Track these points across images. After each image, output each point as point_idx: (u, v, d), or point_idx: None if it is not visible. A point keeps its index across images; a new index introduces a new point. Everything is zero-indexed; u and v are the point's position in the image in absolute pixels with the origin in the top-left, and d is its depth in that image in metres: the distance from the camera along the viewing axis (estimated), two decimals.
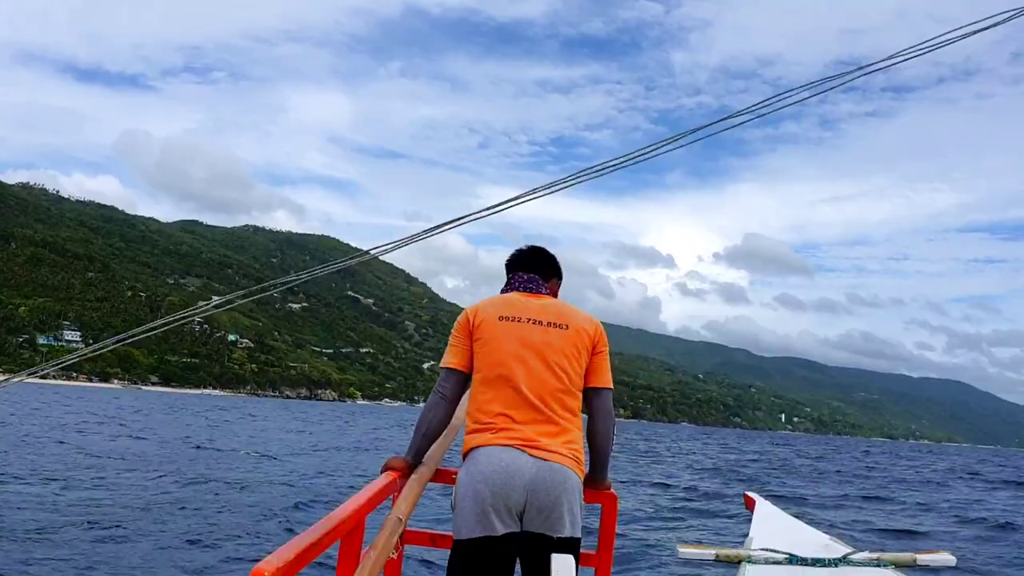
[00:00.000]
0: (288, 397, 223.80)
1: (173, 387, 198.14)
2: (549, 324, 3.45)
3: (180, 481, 17.63)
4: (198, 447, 28.37)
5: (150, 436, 32.28)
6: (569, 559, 2.77)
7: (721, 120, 3.75)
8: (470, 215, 4.01)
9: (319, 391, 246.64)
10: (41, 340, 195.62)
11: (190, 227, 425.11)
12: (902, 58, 3.61)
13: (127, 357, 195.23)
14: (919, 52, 3.53)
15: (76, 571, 8.66)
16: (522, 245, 3.84)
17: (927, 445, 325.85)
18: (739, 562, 3.70)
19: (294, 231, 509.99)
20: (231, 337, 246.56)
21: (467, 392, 3.56)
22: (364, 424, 69.68)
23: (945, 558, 3.68)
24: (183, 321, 3.76)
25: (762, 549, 3.78)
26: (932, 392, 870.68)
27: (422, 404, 3.70)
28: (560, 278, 3.82)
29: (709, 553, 3.82)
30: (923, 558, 3.68)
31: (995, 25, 3.33)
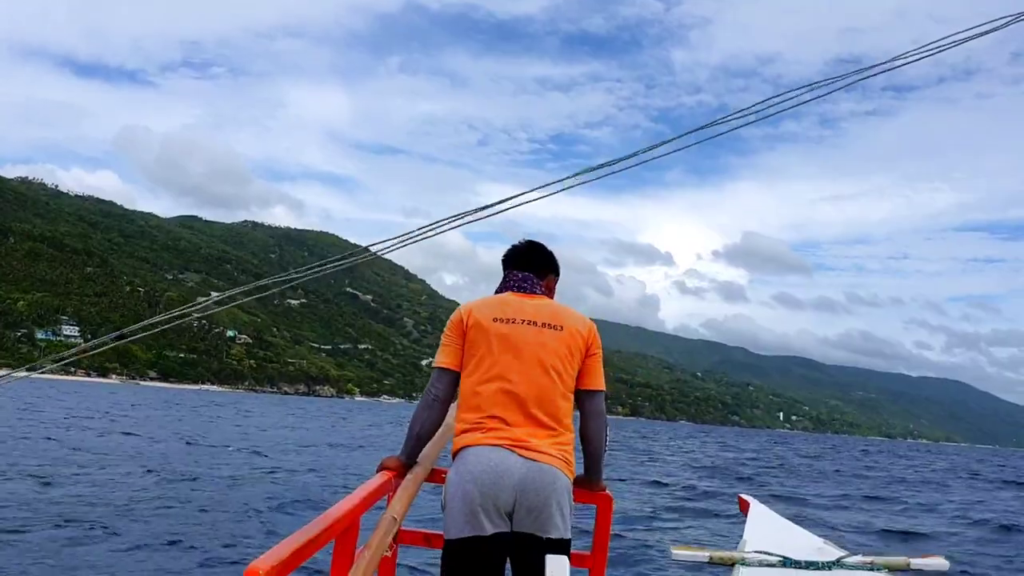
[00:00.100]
0: (286, 393, 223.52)
1: (171, 382, 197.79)
2: (543, 325, 3.44)
3: (165, 478, 17.32)
4: (188, 443, 28.08)
5: (141, 432, 31.95)
6: (563, 560, 2.76)
7: (723, 120, 3.79)
8: (472, 213, 4.03)
9: (317, 387, 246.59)
10: (39, 335, 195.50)
11: (189, 222, 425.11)
12: (901, 62, 3.63)
13: (125, 352, 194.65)
14: (918, 56, 3.55)
15: (43, 574, 8.37)
16: (519, 241, 3.82)
17: (925, 444, 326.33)
18: (732, 564, 3.69)
19: (293, 227, 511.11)
20: (229, 333, 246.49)
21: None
22: (360, 421, 69.40)
23: (938, 562, 3.65)
24: (183, 319, 3.79)
25: (756, 552, 3.76)
26: (931, 391, 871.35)
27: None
28: (557, 274, 3.81)
29: (703, 555, 3.78)
30: (916, 562, 3.65)
31: (992, 31, 3.35)
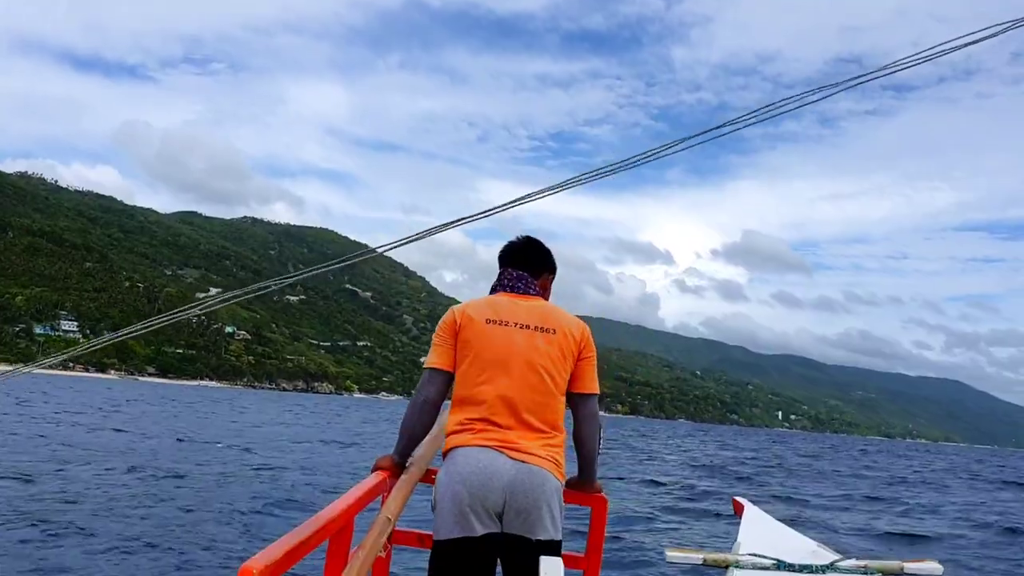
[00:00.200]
0: (285, 390, 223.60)
1: (170, 378, 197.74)
2: (536, 328, 3.43)
3: (149, 476, 16.96)
4: (179, 439, 27.74)
5: (132, 428, 31.57)
6: (557, 562, 2.77)
7: (724, 125, 3.77)
8: (478, 216, 4.03)
9: (316, 384, 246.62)
10: (38, 330, 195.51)
11: (188, 218, 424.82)
12: (897, 68, 3.62)
13: (124, 348, 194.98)
14: (920, 60, 3.55)
15: None
16: (515, 237, 3.79)
17: (924, 444, 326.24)
18: (726, 567, 3.70)
19: (292, 223, 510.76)
20: (228, 329, 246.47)
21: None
22: (356, 417, 69.11)
23: (932, 566, 3.66)
24: (183, 316, 3.83)
25: (749, 554, 3.77)
26: (929, 391, 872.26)
27: None
28: (553, 272, 3.78)
29: (697, 557, 3.79)
30: (910, 566, 3.66)
31: (987, 38, 3.34)
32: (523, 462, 3.23)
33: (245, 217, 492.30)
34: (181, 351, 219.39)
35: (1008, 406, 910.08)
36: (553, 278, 3.79)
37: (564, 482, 3.39)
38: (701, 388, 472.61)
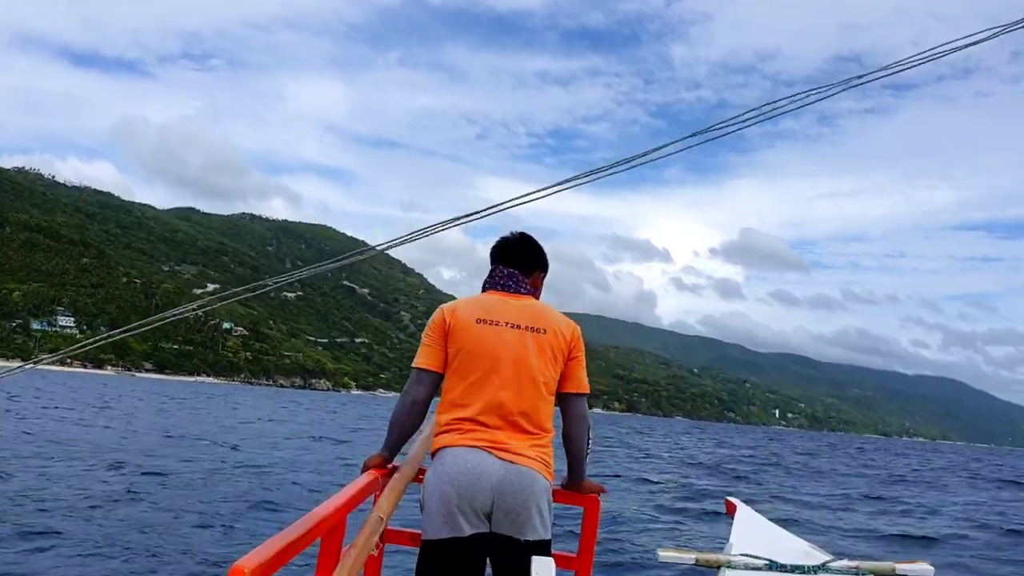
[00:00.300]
0: (282, 386, 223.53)
1: (167, 374, 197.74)
2: (526, 328, 3.41)
3: (130, 473, 16.66)
4: (167, 436, 27.46)
5: (121, 425, 31.30)
6: (549, 562, 2.77)
7: (727, 122, 3.71)
8: (476, 214, 4.04)
9: (313, 380, 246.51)
10: (35, 325, 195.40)
11: (186, 214, 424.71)
12: (899, 69, 3.60)
13: (121, 344, 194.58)
14: (911, 65, 3.55)
15: None
16: (508, 233, 3.77)
17: (921, 443, 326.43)
18: (718, 567, 3.70)
19: (290, 219, 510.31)
20: (225, 325, 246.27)
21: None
22: (351, 414, 68.81)
23: (923, 568, 3.65)
24: (182, 315, 3.85)
25: (742, 555, 3.76)
26: (927, 390, 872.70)
27: None
28: (545, 270, 3.77)
29: (689, 557, 3.76)
30: (902, 568, 3.63)
31: (984, 40, 3.35)
32: (512, 462, 3.23)
33: (243, 213, 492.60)
34: (178, 347, 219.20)
35: (1006, 405, 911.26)
36: (545, 276, 3.78)
37: (553, 482, 3.39)
38: (698, 386, 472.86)
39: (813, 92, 3.73)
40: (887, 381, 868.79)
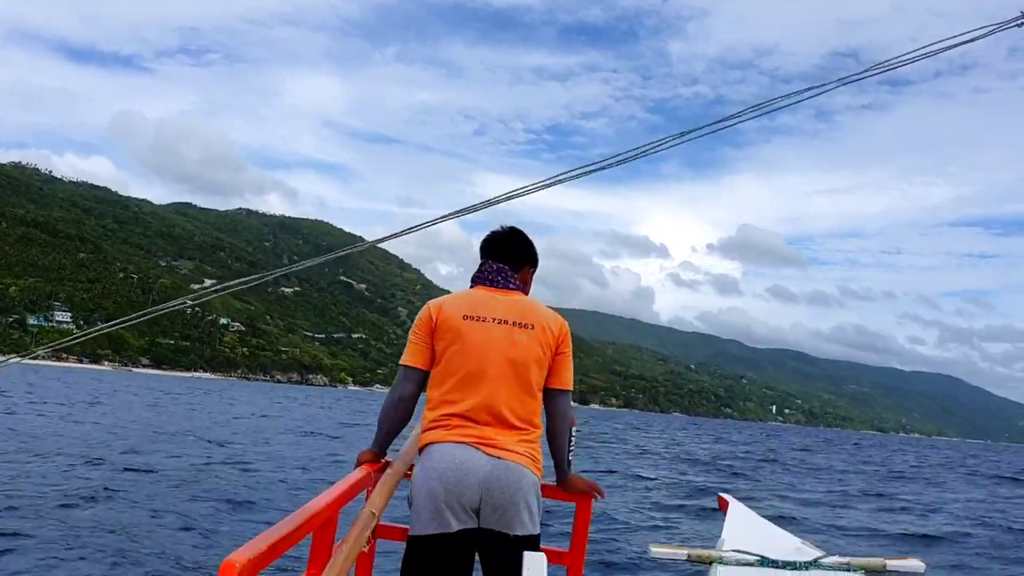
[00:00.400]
0: (279, 381, 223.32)
1: (164, 370, 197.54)
2: (514, 324, 3.40)
3: (110, 470, 16.24)
4: (156, 432, 26.99)
5: (110, 420, 30.89)
6: (541, 557, 2.77)
7: (721, 121, 3.71)
8: (472, 208, 4.03)
9: (310, 376, 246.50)
10: (31, 320, 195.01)
11: (183, 209, 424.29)
12: (892, 66, 3.47)
13: (118, 339, 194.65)
14: (906, 62, 3.55)
15: None
16: (498, 227, 3.74)
17: (918, 439, 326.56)
18: (710, 563, 3.66)
19: (287, 215, 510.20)
20: (223, 320, 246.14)
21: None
22: (346, 409, 68.58)
23: (914, 564, 3.61)
24: (174, 308, 3.71)
25: (733, 551, 3.72)
26: (923, 386, 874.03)
27: None
28: (534, 265, 3.75)
29: (681, 553, 3.71)
30: (893, 564, 3.62)
31: (977, 39, 3.36)
32: (499, 458, 3.22)
33: (240, 208, 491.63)
34: (175, 343, 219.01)
35: (1001, 401, 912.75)
36: (535, 271, 3.76)
37: (542, 477, 3.38)
38: (695, 382, 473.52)
39: (809, 90, 3.74)
40: (884, 377, 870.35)
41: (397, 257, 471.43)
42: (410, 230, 4.05)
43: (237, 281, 3.87)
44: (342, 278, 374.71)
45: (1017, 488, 32.88)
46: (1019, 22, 3.22)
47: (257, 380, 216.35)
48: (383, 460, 3.59)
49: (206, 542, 10.39)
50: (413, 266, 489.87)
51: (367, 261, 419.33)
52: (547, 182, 3.93)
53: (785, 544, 4.06)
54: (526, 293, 3.65)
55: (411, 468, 3.55)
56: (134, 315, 3.76)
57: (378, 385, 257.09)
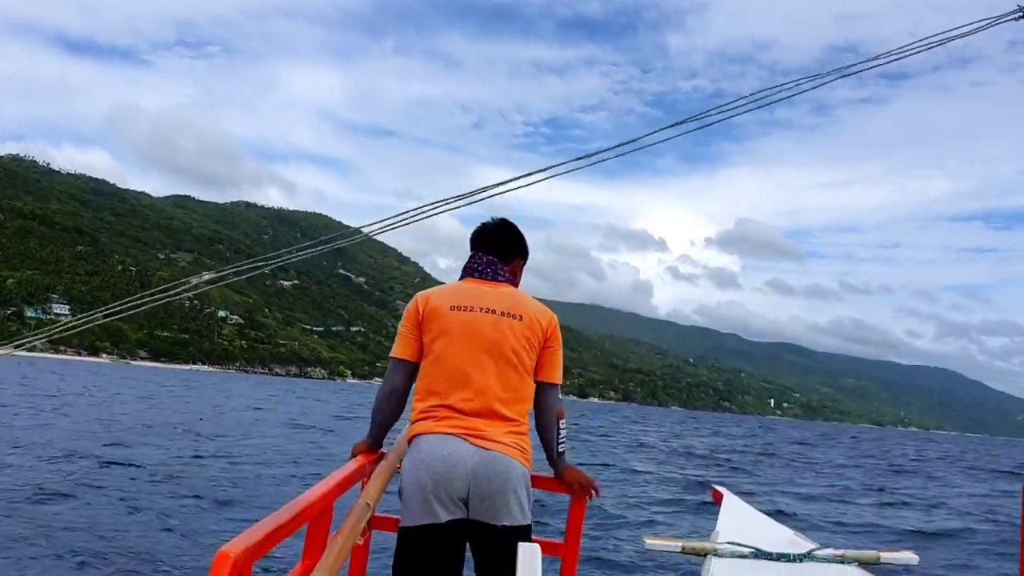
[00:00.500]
0: (277, 374, 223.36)
1: (162, 362, 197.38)
2: (502, 314, 3.39)
3: (86, 465, 15.79)
4: (146, 425, 26.56)
5: (99, 413, 30.63)
6: (535, 548, 2.77)
7: (721, 108, 3.80)
8: (467, 196, 4.03)
9: (309, 369, 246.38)
10: (29, 313, 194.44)
11: (181, 202, 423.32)
12: (883, 61, 3.53)
13: (116, 331, 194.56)
14: (901, 55, 3.58)
15: None
16: (488, 219, 3.72)
17: (915, 432, 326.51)
18: (705, 555, 3.70)
19: (285, 207, 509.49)
20: (221, 313, 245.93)
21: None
22: (343, 402, 68.30)
23: (908, 557, 3.71)
24: (174, 297, 3.83)
25: (728, 543, 3.77)
26: (921, 380, 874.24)
27: None
28: (525, 257, 3.74)
29: (675, 545, 3.78)
30: (887, 556, 3.70)
31: (970, 33, 3.38)
32: (487, 449, 3.22)
33: (238, 201, 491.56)
34: (173, 335, 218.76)
35: (999, 395, 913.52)
36: (525, 263, 3.75)
37: (531, 468, 3.37)
38: (694, 375, 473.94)
39: (804, 80, 3.75)
40: (882, 371, 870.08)
41: (396, 250, 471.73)
42: (403, 216, 4.04)
43: (230, 267, 3.98)
44: (341, 271, 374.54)
45: (1017, 483, 32.68)
46: (1016, 15, 3.24)
47: (255, 373, 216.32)
48: (378, 452, 3.61)
49: (185, 542, 9.98)
50: (412, 259, 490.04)
51: (366, 254, 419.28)
52: (542, 172, 3.88)
53: (779, 536, 4.11)
54: (516, 285, 3.64)
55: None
56: (127, 302, 3.81)
57: (377, 378, 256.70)
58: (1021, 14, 3.21)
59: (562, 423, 3.56)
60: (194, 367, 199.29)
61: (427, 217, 4.01)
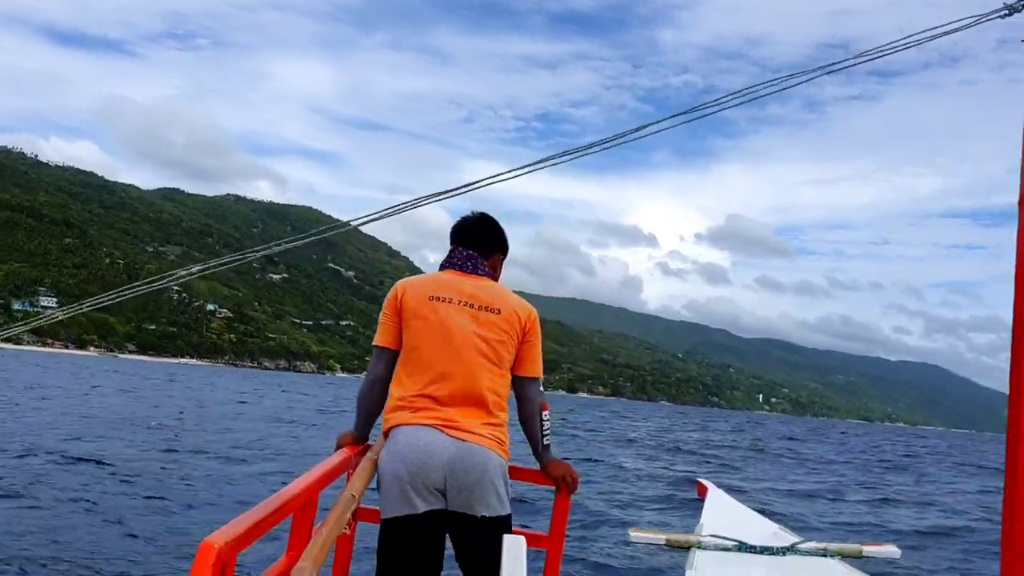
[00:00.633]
0: (267, 368, 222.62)
1: (150, 356, 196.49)
2: (480, 307, 3.39)
3: (52, 460, 15.17)
4: (122, 419, 25.83)
5: (71, 407, 29.93)
6: (520, 540, 2.78)
7: (712, 103, 3.83)
8: (456, 190, 4.03)
9: (298, 363, 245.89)
10: (16, 306, 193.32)
11: (170, 195, 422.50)
12: (870, 57, 3.61)
13: (104, 324, 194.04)
14: (885, 52, 3.59)
15: None
16: (468, 213, 3.72)
17: (903, 428, 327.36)
18: (689, 547, 3.75)
19: (275, 201, 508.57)
20: (210, 307, 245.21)
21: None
22: (329, 396, 67.95)
23: (890, 550, 3.78)
24: (161, 285, 3.69)
25: (712, 535, 3.83)
26: (909, 376, 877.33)
27: None
28: (504, 252, 3.72)
29: (660, 538, 3.85)
30: (869, 550, 3.75)
31: (959, 30, 3.42)
32: (463, 440, 3.23)
33: (228, 194, 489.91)
34: (161, 328, 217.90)
35: (987, 391, 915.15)
36: (505, 257, 3.73)
37: (508, 459, 3.38)
38: (683, 371, 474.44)
39: (793, 76, 3.77)
40: (870, 367, 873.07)
41: (386, 244, 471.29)
42: (391, 209, 4.04)
43: (216, 261, 4.01)
44: (330, 265, 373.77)
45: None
46: (1002, 13, 3.25)
47: (244, 367, 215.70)
48: (364, 443, 3.60)
49: (143, 545, 9.32)
50: (402, 253, 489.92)
51: (356, 248, 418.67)
52: (532, 166, 3.91)
53: (763, 529, 4.19)
54: (496, 280, 3.63)
55: None
56: (109, 293, 3.80)
57: (366, 372, 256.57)
58: (1007, 12, 3.22)
59: (545, 415, 3.56)
60: (182, 360, 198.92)
61: (411, 209, 3.98)
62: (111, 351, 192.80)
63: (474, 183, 3.83)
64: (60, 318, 3.60)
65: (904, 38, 3.54)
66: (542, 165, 3.87)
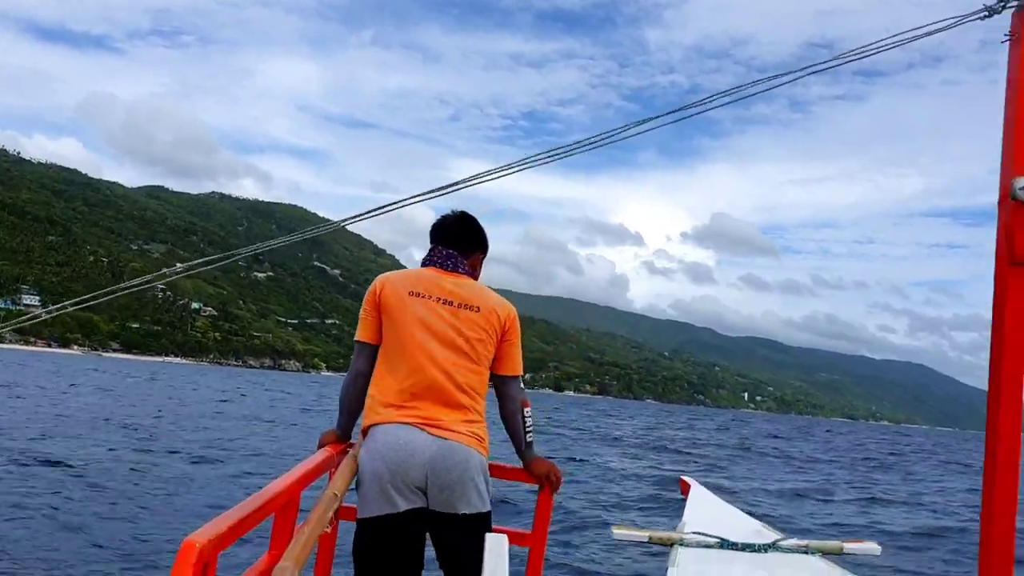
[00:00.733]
0: (251, 367, 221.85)
1: (134, 354, 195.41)
2: (459, 305, 3.38)
3: (12, 461, 14.55)
4: (96, 419, 25.15)
5: (41, 406, 29.13)
6: (502, 538, 2.76)
7: (698, 103, 3.69)
8: (443, 189, 3.88)
9: (283, 361, 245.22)
10: None
11: (155, 192, 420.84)
12: (854, 57, 3.71)
13: (87, 323, 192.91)
14: (866, 53, 3.51)
15: None
16: (449, 211, 3.70)
17: (887, 426, 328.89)
18: (671, 545, 3.75)
19: (261, 199, 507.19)
20: (194, 305, 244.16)
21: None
22: (312, 394, 67.58)
23: (871, 547, 3.80)
24: (145, 286, 3.76)
25: (694, 533, 3.85)
26: (893, 374, 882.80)
27: None
28: (484, 251, 3.71)
29: (643, 535, 3.84)
30: (849, 547, 3.79)
31: (938, 31, 3.41)
32: (444, 438, 3.21)
33: (213, 192, 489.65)
34: (146, 327, 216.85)
35: (970, 390, 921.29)
36: (484, 256, 3.72)
37: (488, 457, 3.37)
38: (669, 369, 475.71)
39: (778, 76, 3.74)
40: (855, 366, 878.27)
41: (372, 243, 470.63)
42: (380, 210, 4.08)
43: (201, 260, 4.05)
44: (316, 263, 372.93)
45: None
46: (981, 15, 3.27)
47: (229, 365, 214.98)
48: (346, 442, 3.58)
49: (106, 555, 8.72)
50: (388, 252, 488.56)
51: (341, 246, 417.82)
52: (518, 164, 3.98)
53: (745, 526, 4.20)
54: (475, 279, 3.61)
55: None
56: (96, 294, 3.59)
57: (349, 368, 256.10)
58: (987, 13, 3.25)
59: (527, 411, 3.55)
60: (167, 359, 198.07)
61: (399, 208, 3.88)
62: (95, 350, 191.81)
63: (461, 182, 3.78)
64: (46, 318, 3.67)
65: (887, 38, 3.54)
66: (529, 164, 3.84)
